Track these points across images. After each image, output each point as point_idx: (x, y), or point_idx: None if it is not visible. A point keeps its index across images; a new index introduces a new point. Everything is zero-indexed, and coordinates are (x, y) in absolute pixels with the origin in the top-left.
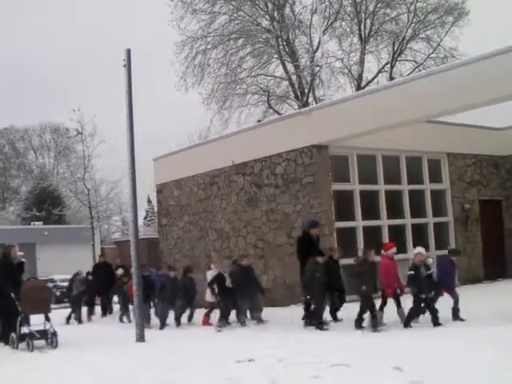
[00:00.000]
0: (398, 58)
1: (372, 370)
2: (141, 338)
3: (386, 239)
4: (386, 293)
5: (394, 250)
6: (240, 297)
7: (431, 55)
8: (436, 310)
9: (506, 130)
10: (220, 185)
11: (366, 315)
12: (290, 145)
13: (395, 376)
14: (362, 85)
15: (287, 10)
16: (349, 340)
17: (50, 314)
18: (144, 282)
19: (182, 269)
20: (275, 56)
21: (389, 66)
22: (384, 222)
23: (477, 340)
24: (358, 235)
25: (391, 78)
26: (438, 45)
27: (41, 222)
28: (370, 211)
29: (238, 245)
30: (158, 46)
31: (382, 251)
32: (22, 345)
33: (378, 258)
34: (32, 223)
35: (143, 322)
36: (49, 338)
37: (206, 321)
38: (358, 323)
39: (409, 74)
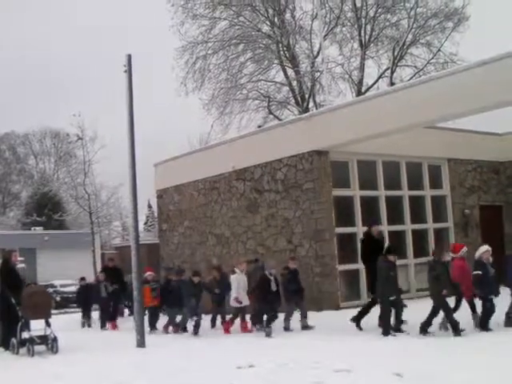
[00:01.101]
0: (399, 64)
1: (372, 375)
2: (141, 343)
3: (386, 245)
4: (466, 295)
5: (465, 249)
6: (288, 301)
7: (431, 60)
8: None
9: (506, 136)
10: (220, 190)
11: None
12: (291, 150)
13: (395, 382)
14: (363, 90)
15: (288, 15)
16: (350, 345)
17: (50, 320)
18: (168, 287)
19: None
20: (276, 61)
21: (389, 71)
22: (384, 227)
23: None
24: (359, 241)
25: (391, 84)
26: (439, 50)
27: (41, 227)
28: (371, 217)
29: (238, 250)
30: (159, 51)
31: (451, 252)
32: (23, 350)
33: (392, 258)
34: (32, 228)
35: (143, 328)
36: (49, 343)
37: (228, 328)
38: (425, 328)
39: (409, 80)
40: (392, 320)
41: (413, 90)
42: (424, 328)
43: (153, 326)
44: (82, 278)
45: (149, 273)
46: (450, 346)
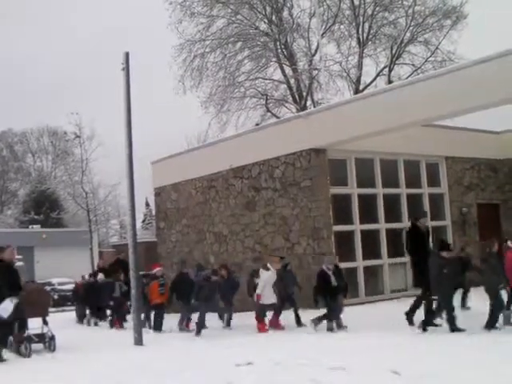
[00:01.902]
0: (396, 62)
1: (369, 373)
2: (139, 341)
3: (384, 243)
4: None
5: None
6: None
7: (429, 59)
8: None
9: (504, 134)
10: (218, 188)
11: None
12: (288, 148)
13: (392, 379)
14: (361, 88)
15: (285, 13)
16: (347, 343)
17: (47, 318)
18: (183, 281)
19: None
20: (273, 59)
21: (387, 69)
22: (382, 225)
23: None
24: (356, 239)
25: (389, 82)
26: (436, 48)
27: (39, 226)
28: (368, 215)
29: (235, 248)
30: (157, 49)
31: (509, 243)
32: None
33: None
34: (30, 226)
35: (141, 326)
36: (47, 341)
37: (263, 326)
38: (492, 323)
39: (407, 78)
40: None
41: (411, 88)
42: (492, 325)
43: (158, 327)
44: (93, 274)
45: (158, 268)
46: (451, 343)
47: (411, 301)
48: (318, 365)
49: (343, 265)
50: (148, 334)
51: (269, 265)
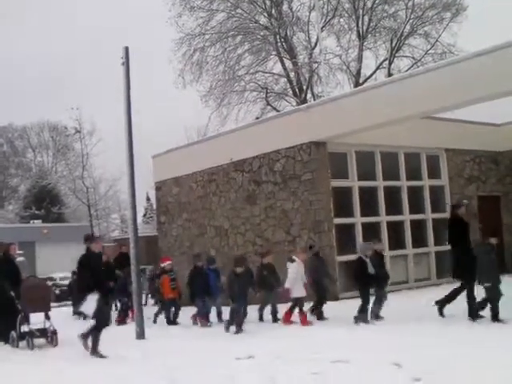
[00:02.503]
0: (396, 55)
1: (371, 366)
2: (141, 335)
3: (385, 235)
4: None
5: None
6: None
7: (429, 51)
8: None
9: (504, 126)
10: (218, 182)
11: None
12: (289, 142)
13: (394, 372)
14: (361, 81)
15: (285, 6)
16: (349, 336)
17: (50, 313)
18: (197, 274)
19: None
20: (273, 53)
21: (387, 62)
22: (383, 218)
23: (481, 338)
24: (357, 231)
25: (389, 75)
26: (436, 41)
27: (40, 221)
28: (369, 208)
29: (236, 242)
30: (157, 43)
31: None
32: (22, 343)
33: (493, 240)
34: (31, 222)
35: (143, 319)
36: (49, 336)
37: (289, 318)
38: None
39: (407, 70)
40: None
41: (411, 81)
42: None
43: (172, 321)
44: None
45: (167, 262)
46: (455, 335)
47: (410, 293)
48: (321, 358)
49: (344, 258)
50: (150, 329)
51: (294, 256)
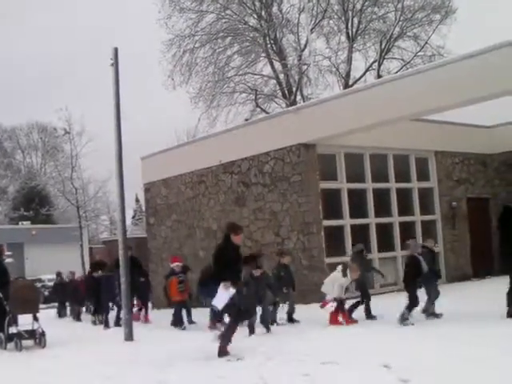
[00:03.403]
0: (386, 56)
1: (361, 367)
2: (129, 336)
3: (374, 237)
4: None
5: None
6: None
7: (418, 53)
8: None
9: (493, 128)
10: (208, 184)
11: None
12: (278, 143)
13: (383, 373)
14: (350, 83)
15: (275, 8)
16: (339, 338)
17: (38, 314)
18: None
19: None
20: (263, 55)
21: (376, 64)
22: (372, 220)
23: (469, 338)
24: (346, 233)
25: (379, 76)
26: (426, 43)
27: (28, 222)
28: (358, 209)
29: None
30: (146, 44)
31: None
32: (11, 345)
33: None
34: (20, 223)
35: (131, 321)
36: (37, 337)
37: (336, 318)
38: None
39: (396, 72)
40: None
41: (400, 83)
42: None
43: (177, 323)
44: (94, 268)
45: (176, 263)
46: (445, 336)
47: (400, 295)
48: (310, 359)
49: (333, 259)
50: (138, 328)
51: (348, 271)
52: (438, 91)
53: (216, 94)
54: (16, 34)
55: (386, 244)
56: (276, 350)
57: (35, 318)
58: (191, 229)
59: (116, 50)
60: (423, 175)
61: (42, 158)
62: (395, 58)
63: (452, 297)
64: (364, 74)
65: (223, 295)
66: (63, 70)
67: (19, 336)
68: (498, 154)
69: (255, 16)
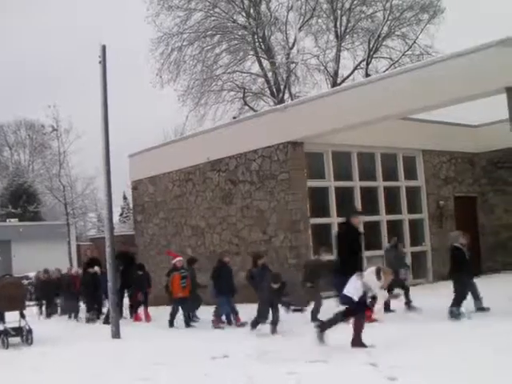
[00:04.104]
0: (374, 55)
1: (348, 365)
2: (116, 334)
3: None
4: None
5: None
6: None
7: (407, 52)
8: None
9: (480, 128)
10: (195, 181)
11: None
12: (266, 141)
13: (371, 372)
14: (338, 82)
15: (263, 6)
16: (328, 336)
17: (24, 311)
18: (225, 271)
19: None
20: (251, 53)
21: (364, 63)
22: (359, 218)
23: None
24: (333, 232)
25: (367, 75)
26: (414, 42)
27: (16, 219)
28: (345, 208)
29: (213, 241)
30: (133, 42)
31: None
32: None
33: None
34: (7, 220)
35: (118, 318)
36: (24, 335)
37: (370, 315)
38: None
39: (384, 71)
40: None
41: (388, 82)
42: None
43: (187, 322)
44: (89, 264)
45: (178, 258)
46: (432, 334)
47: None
48: (297, 358)
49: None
50: (127, 326)
51: (382, 274)
52: (426, 90)
53: (204, 91)
54: (2, 30)
55: (373, 242)
56: (263, 348)
57: (22, 316)
58: (178, 226)
59: (104, 47)
60: (411, 174)
61: (30, 155)
62: (383, 57)
63: (439, 295)
64: (352, 72)
65: (357, 285)
66: (51, 68)
67: (6, 333)
68: (485, 153)
69: (244, 14)
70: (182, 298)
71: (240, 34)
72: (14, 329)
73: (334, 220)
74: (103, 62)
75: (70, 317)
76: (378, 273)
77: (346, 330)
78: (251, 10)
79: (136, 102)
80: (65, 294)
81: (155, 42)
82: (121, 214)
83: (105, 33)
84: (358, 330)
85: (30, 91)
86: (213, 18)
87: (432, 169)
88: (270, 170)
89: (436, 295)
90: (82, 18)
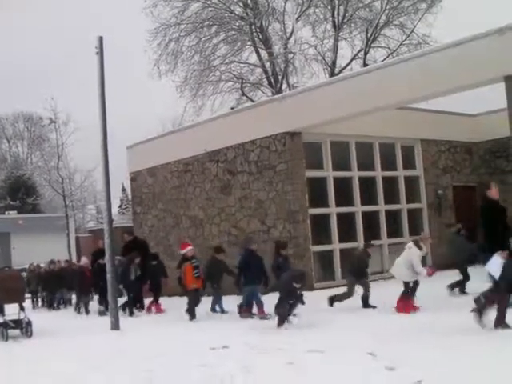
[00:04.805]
0: (372, 45)
1: (346, 355)
2: (115, 326)
3: (360, 225)
4: None
5: None
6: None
7: (404, 42)
8: None
9: (478, 117)
10: (193, 172)
11: None
12: (264, 132)
13: (369, 361)
14: (336, 72)
15: None
16: (325, 326)
17: (24, 304)
18: (254, 259)
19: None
20: (249, 43)
21: (362, 52)
22: (358, 208)
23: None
24: (332, 222)
25: (365, 65)
26: (412, 31)
27: (15, 211)
28: (344, 198)
29: (211, 232)
30: (131, 32)
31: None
32: None
33: None
34: (6, 212)
35: (117, 310)
36: (23, 327)
37: (402, 306)
38: None
39: (382, 61)
40: None
41: (386, 71)
42: None
43: (192, 313)
44: (97, 256)
45: (188, 248)
46: (433, 326)
47: (386, 283)
48: (295, 348)
49: (319, 248)
50: (126, 318)
51: (422, 243)
52: (424, 80)
53: (202, 82)
54: (1, 21)
55: (372, 232)
56: (260, 339)
57: (21, 308)
58: (177, 217)
59: (101, 38)
60: (409, 163)
61: (28, 147)
62: (381, 47)
63: (437, 284)
64: (350, 62)
65: (499, 263)
66: (50, 61)
67: (5, 325)
68: (483, 142)
69: (241, 4)
70: (195, 288)
71: (237, 24)
72: (13, 321)
73: (333, 210)
74: (100, 54)
75: (77, 309)
76: (417, 244)
77: (342, 317)
78: (248, 1)
79: (134, 93)
80: (78, 286)
81: (152, 33)
82: (120, 206)
83: (101, 23)
84: (501, 313)
85: (28, 84)
86: (210, 9)
87: (430, 158)
88: (269, 160)
89: (434, 284)
90: (79, 9)
